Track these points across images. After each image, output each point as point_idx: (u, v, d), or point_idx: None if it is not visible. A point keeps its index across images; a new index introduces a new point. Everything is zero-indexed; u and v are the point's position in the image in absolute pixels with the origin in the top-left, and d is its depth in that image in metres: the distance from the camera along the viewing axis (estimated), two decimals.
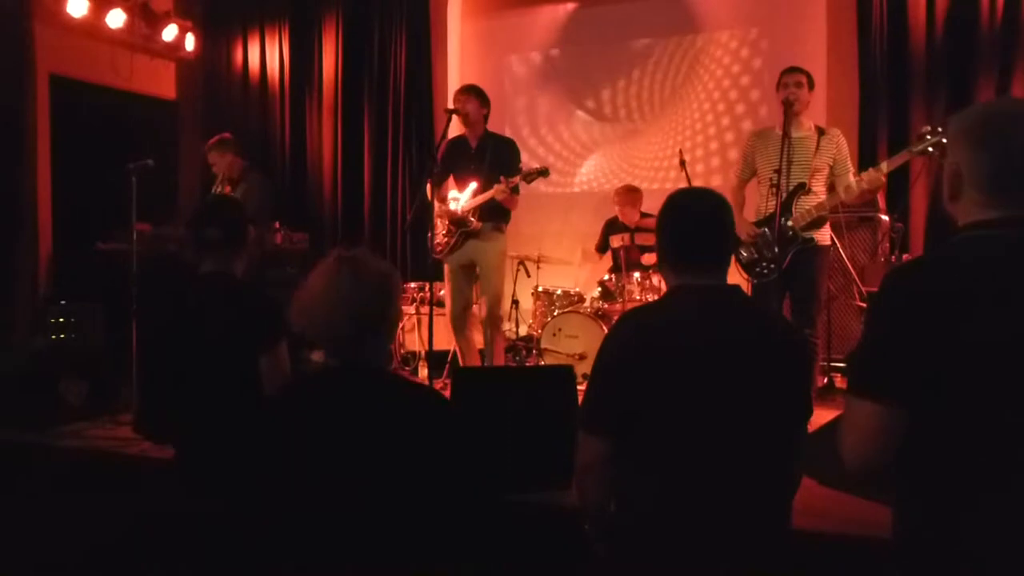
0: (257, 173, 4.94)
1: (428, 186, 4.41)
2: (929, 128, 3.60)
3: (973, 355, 1.30)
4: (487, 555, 1.80)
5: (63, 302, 4.94)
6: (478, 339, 4.71)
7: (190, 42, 6.90)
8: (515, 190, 4.31)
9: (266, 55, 7.22)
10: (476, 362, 4.61)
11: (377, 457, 1.63)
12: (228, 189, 4.83)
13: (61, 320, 4.80)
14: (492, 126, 4.62)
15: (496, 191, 4.24)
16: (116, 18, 6.18)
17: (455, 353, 5.01)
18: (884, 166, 3.76)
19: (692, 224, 1.80)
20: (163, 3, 6.75)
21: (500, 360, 4.55)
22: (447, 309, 4.62)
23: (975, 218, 1.41)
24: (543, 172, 4.33)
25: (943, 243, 1.46)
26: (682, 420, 1.66)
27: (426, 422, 1.70)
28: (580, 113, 6.68)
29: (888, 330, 1.38)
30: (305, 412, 1.70)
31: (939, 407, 1.33)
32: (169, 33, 6.66)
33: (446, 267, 4.59)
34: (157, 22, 6.58)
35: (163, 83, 7.02)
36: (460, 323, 4.57)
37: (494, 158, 4.37)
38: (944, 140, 3.51)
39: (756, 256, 3.96)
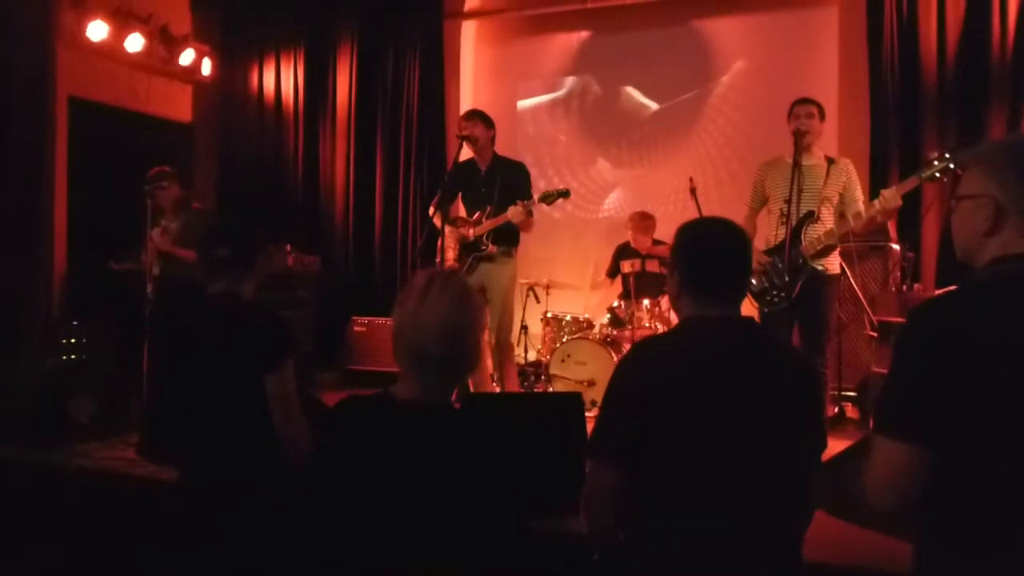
0: (194, 205, 4.89)
1: (432, 208, 4.41)
2: (937, 154, 3.59)
3: (1008, 396, 1.26)
4: None
5: (75, 321, 4.97)
6: (489, 364, 4.63)
7: (207, 66, 6.99)
8: (530, 212, 4.30)
9: (281, 80, 7.30)
10: (487, 388, 4.52)
11: (452, 491, 1.60)
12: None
13: (72, 339, 4.83)
14: (505, 151, 4.62)
15: (513, 213, 4.21)
16: (135, 42, 6.26)
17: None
18: (895, 190, 3.72)
19: (714, 255, 1.79)
20: (181, 28, 6.84)
21: (513, 387, 4.49)
22: None
23: (1018, 250, 1.36)
24: (564, 193, 4.30)
25: (974, 276, 1.40)
26: (693, 450, 1.65)
27: (490, 456, 1.69)
28: (592, 139, 6.72)
29: (918, 368, 1.33)
30: (387, 449, 1.63)
31: (971, 448, 1.29)
32: (186, 57, 6.75)
33: None
34: (175, 46, 6.67)
35: (179, 106, 7.10)
36: None
37: (505, 182, 4.37)
38: (952, 166, 3.50)
39: (766, 285, 3.95)
